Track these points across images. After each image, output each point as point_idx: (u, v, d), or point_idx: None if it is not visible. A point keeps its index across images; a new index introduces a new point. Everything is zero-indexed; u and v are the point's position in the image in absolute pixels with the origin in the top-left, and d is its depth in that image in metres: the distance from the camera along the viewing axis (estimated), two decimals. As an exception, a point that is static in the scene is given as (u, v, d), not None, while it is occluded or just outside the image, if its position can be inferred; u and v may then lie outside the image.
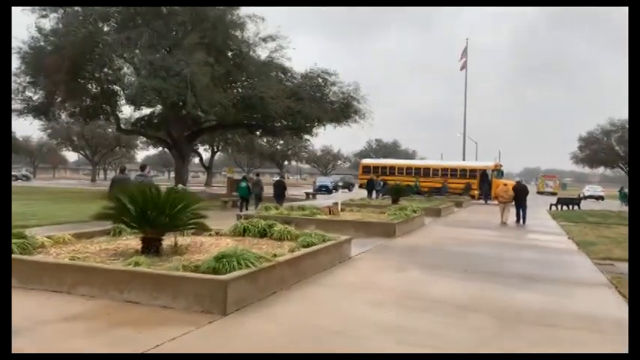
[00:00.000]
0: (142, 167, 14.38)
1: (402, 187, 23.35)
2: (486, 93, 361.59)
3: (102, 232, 9.14)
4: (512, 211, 19.81)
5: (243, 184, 20.76)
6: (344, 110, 31.16)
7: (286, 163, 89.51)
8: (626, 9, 8.07)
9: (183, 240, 8.61)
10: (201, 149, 64.46)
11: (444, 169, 36.76)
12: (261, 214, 14.32)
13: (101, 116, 33.28)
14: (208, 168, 64.02)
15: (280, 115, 26.09)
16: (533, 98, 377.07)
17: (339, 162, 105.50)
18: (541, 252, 11.43)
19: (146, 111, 34.29)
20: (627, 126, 63.68)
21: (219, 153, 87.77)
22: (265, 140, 74.79)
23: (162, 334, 4.59)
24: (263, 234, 9.43)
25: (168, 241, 7.95)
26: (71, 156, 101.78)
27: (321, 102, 29.47)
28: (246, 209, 19.48)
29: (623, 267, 9.55)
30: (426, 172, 37.06)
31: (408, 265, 8.87)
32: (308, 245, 8.07)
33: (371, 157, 73.03)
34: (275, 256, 6.96)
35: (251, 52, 29.17)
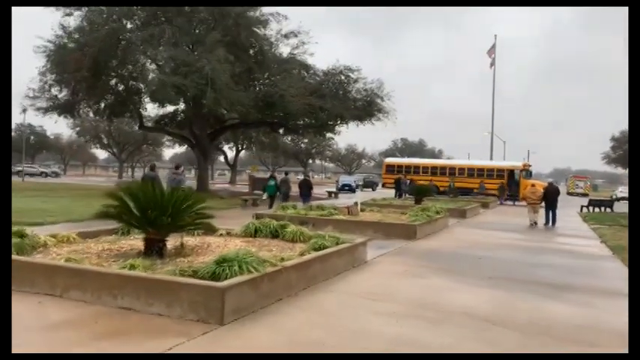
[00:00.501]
0: (177, 166, 14.32)
1: (426, 187, 22.67)
2: (516, 91, 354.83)
3: (110, 230, 8.86)
4: (542, 212, 18.99)
5: (272, 183, 20.85)
6: (367, 108, 30.54)
7: (310, 161, 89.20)
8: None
9: (192, 241, 8.26)
10: (225, 147, 64.90)
11: (471, 169, 35.81)
12: (278, 213, 13.93)
13: (126, 114, 33.48)
14: (233, 166, 64.14)
15: (301, 112, 25.66)
16: (564, 97, 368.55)
17: (364, 161, 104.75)
18: (572, 257, 10.72)
19: (170, 109, 34.51)
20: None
21: (243, 151, 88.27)
22: (289, 139, 74.90)
23: (148, 347, 4.19)
24: (275, 235, 9.01)
25: (175, 241, 7.62)
26: (101, 153, 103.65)
27: (343, 99, 28.96)
28: (271, 206, 19.56)
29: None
30: (451, 171, 36.16)
31: (428, 271, 8.32)
32: (320, 248, 7.61)
33: (396, 156, 72.21)
34: (282, 259, 6.52)
35: (273, 50, 28.87)
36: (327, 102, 26.47)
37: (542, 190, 19.17)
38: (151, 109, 37.84)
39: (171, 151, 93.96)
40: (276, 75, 26.32)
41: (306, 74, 30.23)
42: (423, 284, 7.31)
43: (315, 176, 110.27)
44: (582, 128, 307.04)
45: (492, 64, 50.43)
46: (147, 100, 30.46)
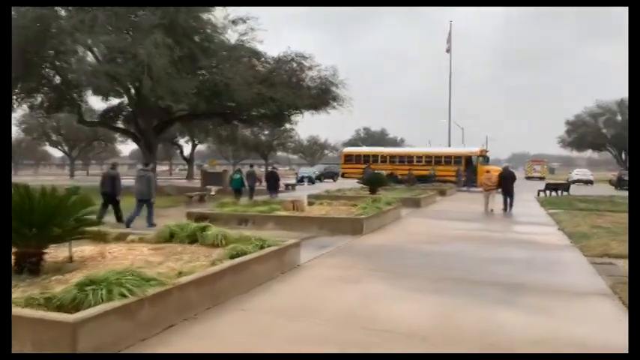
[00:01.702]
0: (146, 164, 14.27)
1: (380, 177, 21.74)
2: (473, 80, 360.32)
3: None
4: (499, 198, 18.36)
5: (237, 176, 20.74)
6: (322, 96, 29.44)
7: (272, 153, 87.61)
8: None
9: (89, 250, 6.96)
10: (182, 141, 62.70)
11: (429, 157, 35.23)
12: (215, 211, 12.67)
13: (66, 108, 31.31)
14: (189, 161, 62.01)
15: (250, 102, 24.26)
16: (520, 84, 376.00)
17: (327, 151, 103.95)
18: (529, 248, 9.89)
19: (115, 102, 32.51)
20: (614, 109, 62.70)
21: (205, 145, 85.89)
22: (250, 131, 73.11)
23: None
24: (193, 239, 7.76)
25: (63, 253, 6.33)
26: (56, 152, 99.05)
27: (296, 88, 27.73)
28: (238, 199, 18.81)
29: (625, 266, 8.04)
30: (409, 159, 35.51)
31: (367, 274, 7.27)
32: (238, 255, 6.44)
33: (359, 146, 71.34)
34: (180, 274, 5.33)
35: (220, 36, 27.28)
36: (278, 91, 25.17)
37: (496, 176, 18.60)
38: (96, 103, 35.82)
39: (129, 147, 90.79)
40: (224, 63, 24.76)
41: (257, 62, 28.84)
42: (357, 293, 6.24)
43: (280, 168, 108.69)
44: (539, 114, 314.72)
45: (448, 49, 50.08)
46: (89, 93, 28.58)
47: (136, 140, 29.90)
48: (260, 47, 28.70)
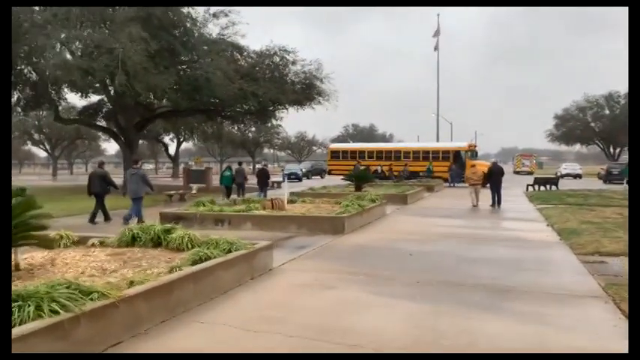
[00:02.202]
0: (135, 161, 14.08)
1: (365, 173, 21.24)
2: (463, 76, 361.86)
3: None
4: (485, 193, 18.02)
5: (227, 173, 20.48)
6: (306, 92, 28.85)
7: (259, 150, 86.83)
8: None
9: (40, 256, 6.38)
10: (167, 139, 61.73)
11: (416, 152, 34.81)
12: (189, 211, 12.09)
13: (44, 105, 30.44)
14: (174, 159, 61.11)
15: (232, 98, 23.61)
16: (510, 80, 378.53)
17: (315, 148, 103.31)
18: (517, 246, 9.45)
19: (95, 99, 31.70)
20: (602, 102, 62.77)
21: (191, 143, 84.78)
22: (236, 128, 72.25)
23: None
24: (157, 243, 7.20)
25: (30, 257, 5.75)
26: (40, 151, 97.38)
27: (280, 82, 27.11)
28: (228, 197, 18.78)
29: (617, 265, 7.63)
30: (397, 155, 35.07)
31: (344, 279, 6.75)
32: (201, 260, 5.89)
33: (348, 142, 70.70)
34: (131, 283, 4.78)
35: (202, 30, 26.57)
36: (261, 86, 24.54)
37: (482, 170, 18.28)
38: (76, 100, 34.96)
39: (114, 146, 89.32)
40: (205, 57, 24.07)
41: (239, 57, 28.19)
42: (331, 300, 5.73)
43: (270, 165, 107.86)
44: (528, 109, 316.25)
45: (436, 46, 49.67)
46: (67, 90, 27.74)
47: (115, 138, 29.13)
48: (243, 42, 28.14)
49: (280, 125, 77.62)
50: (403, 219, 13.95)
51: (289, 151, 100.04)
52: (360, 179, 20.73)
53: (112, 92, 25.99)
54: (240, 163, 22.26)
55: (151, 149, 79.22)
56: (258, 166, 50.84)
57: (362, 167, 29.79)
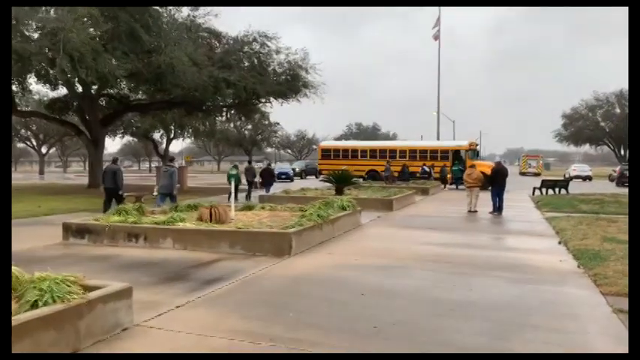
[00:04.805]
0: (171, 159, 15.57)
1: (347, 174, 18.54)
2: (468, 76, 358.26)
3: None
4: (483, 197, 15.47)
5: (234, 172, 19.51)
6: (291, 83, 26.20)
7: (257, 149, 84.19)
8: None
9: None
10: (156, 136, 59.05)
11: (413, 151, 32.05)
12: (99, 222, 9.42)
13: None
14: (163, 157, 58.40)
15: (202, 87, 20.92)
16: (516, 80, 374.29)
17: (315, 147, 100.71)
18: (519, 280, 6.76)
19: (64, 91, 29.14)
20: (612, 101, 59.72)
21: (189, 142, 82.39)
22: (232, 125, 69.62)
23: None
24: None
25: None
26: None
27: (260, 72, 24.48)
28: (236, 198, 17.92)
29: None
30: (392, 154, 32.32)
31: (237, 347, 4.10)
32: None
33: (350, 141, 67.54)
34: None
35: (175, 14, 23.95)
36: (235, 74, 21.89)
37: (479, 172, 15.72)
38: (44, 92, 32.53)
39: (115, 144, 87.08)
40: (173, 42, 21.39)
41: (217, 44, 25.60)
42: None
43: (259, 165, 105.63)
44: (535, 109, 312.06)
45: (437, 36, 46.85)
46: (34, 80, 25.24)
47: (77, 133, 26.56)
48: (222, 27, 25.55)
49: (278, 123, 75.35)
50: (378, 232, 11.24)
51: (288, 150, 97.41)
52: (340, 181, 18.04)
53: (73, 82, 23.48)
54: (249, 162, 22.62)
55: (146, 147, 76.77)
56: (258, 165, 48.38)
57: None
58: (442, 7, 46.16)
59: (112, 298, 4.43)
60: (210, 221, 9.76)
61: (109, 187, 13.78)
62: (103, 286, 4.55)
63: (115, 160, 15.12)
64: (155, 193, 20.66)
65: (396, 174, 28.49)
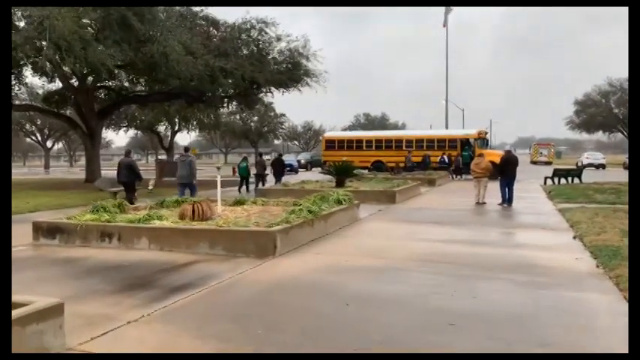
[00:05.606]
0: (186, 149, 15.15)
1: (348, 165, 17.71)
2: (480, 64, 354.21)
3: None
4: (491, 187, 14.63)
5: (243, 164, 20.88)
6: (291, 71, 25.33)
7: (263, 141, 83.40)
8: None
9: None
10: (161, 129, 58.43)
11: (420, 140, 31.06)
12: (71, 221, 8.69)
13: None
14: (168, 150, 57.88)
15: (198, 77, 20.09)
16: (527, 69, 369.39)
17: (322, 138, 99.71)
18: (529, 284, 5.93)
19: (60, 84, 28.50)
20: (626, 87, 58.07)
21: (194, 135, 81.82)
22: (238, 117, 68.83)
23: None
24: None
25: None
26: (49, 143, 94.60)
27: (259, 60, 23.62)
28: (247, 190, 19.55)
29: None
30: (398, 143, 31.38)
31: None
32: None
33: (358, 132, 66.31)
34: None
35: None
36: (232, 62, 21.06)
37: (487, 161, 14.85)
38: (39, 85, 32.01)
39: (122, 138, 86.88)
40: (167, 31, 20.54)
41: (216, 32, 24.75)
42: None
43: (267, 157, 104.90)
44: (546, 98, 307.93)
45: (445, 24, 45.66)
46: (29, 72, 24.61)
47: (73, 126, 25.93)
48: (220, 15, 24.68)
49: (284, 114, 74.48)
50: (377, 227, 10.42)
51: (295, 142, 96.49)
52: (341, 172, 17.20)
53: (68, 73, 22.84)
54: (260, 155, 23.16)
55: (150, 140, 76.25)
56: (267, 157, 47.71)
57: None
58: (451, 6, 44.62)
59: (33, 319, 3.66)
60: (193, 218, 9.00)
61: (122, 181, 13.65)
62: (29, 302, 3.79)
63: (127, 153, 14.97)
64: (150, 187, 20.07)
65: (401, 164, 27.60)
